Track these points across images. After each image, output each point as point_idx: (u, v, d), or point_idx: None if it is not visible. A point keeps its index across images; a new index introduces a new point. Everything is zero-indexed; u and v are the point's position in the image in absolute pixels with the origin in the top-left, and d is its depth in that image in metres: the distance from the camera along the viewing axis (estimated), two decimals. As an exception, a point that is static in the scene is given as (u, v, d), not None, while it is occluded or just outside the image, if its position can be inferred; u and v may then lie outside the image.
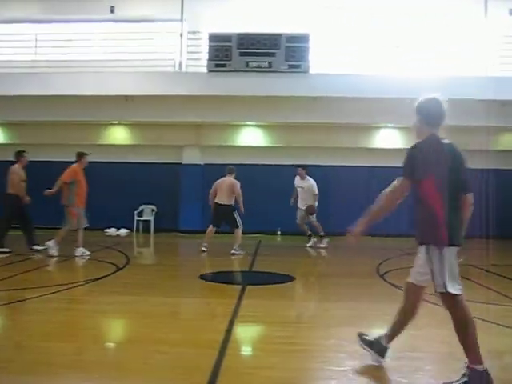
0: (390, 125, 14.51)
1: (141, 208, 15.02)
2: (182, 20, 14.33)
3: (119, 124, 15.32)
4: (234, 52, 13.24)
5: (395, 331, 4.15)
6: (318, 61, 13.33)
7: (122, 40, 14.93)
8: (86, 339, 4.92)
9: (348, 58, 13.50)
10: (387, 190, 3.93)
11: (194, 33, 14.09)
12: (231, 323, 5.33)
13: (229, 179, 11.21)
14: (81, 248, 10.05)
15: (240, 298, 6.53)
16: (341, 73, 12.83)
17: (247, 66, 13.23)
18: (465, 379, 3.65)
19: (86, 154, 10.58)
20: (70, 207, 10.01)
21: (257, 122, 14.70)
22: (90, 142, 14.96)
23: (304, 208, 12.37)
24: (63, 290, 6.85)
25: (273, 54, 13.09)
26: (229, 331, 5.05)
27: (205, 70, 13.36)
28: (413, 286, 3.98)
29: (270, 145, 15.15)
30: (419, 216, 3.83)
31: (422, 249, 3.82)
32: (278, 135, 15.09)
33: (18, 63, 14.07)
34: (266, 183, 14.55)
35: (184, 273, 9.38)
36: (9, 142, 15.58)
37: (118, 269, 8.63)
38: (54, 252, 9.75)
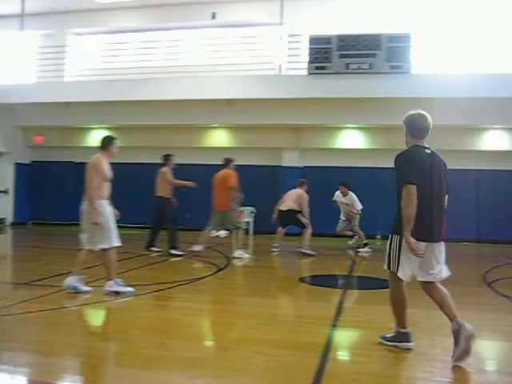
0: (496, 126, 13.82)
1: (240, 210, 15.20)
2: (281, 23, 14.44)
3: (220, 127, 15.68)
4: (334, 54, 13.16)
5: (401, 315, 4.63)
6: (419, 61, 12.98)
7: (223, 45, 15.33)
8: (191, 337, 5.05)
9: (451, 58, 13.04)
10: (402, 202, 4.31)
11: (293, 36, 14.16)
12: (333, 327, 5.28)
13: (298, 190, 11.41)
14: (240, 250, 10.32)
15: (341, 302, 6.46)
16: (444, 73, 12.41)
17: (347, 67, 13.12)
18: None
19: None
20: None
21: (357, 124, 14.53)
22: (191, 144, 15.49)
23: (344, 219, 12.39)
24: (168, 288, 7.10)
25: (373, 55, 12.89)
26: (330, 335, 5.01)
27: (304, 72, 13.39)
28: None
29: (370, 147, 14.90)
30: (399, 213, 4.36)
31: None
32: (378, 137, 14.80)
33: (127, 70, 14.79)
34: (366, 186, 14.30)
35: (284, 275, 9.43)
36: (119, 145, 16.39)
37: (219, 269, 8.81)
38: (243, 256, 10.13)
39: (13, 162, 16.61)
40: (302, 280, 8.11)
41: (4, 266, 10.05)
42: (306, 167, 15.10)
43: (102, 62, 16.21)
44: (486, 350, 4.94)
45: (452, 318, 4.33)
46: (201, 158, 15.30)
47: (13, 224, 16.38)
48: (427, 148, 4.48)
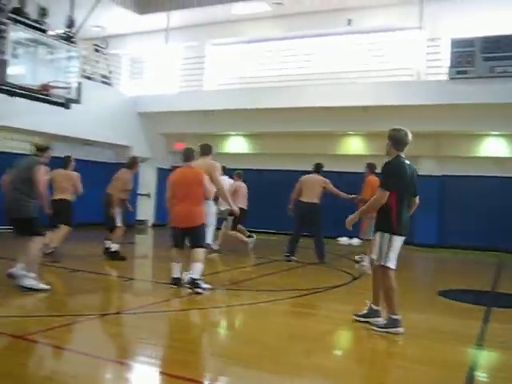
0: None
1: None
2: (420, 28, 14.00)
3: (355, 134, 15.51)
4: (478, 57, 12.52)
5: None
6: None
7: (359, 51, 15.17)
8: (328, 346, 5.02)
9: None
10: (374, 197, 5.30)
11: (433, 40, 13.66)
12: (478, 347, 4.98)
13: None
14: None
15: (485, 321, 6.07)
16: None
17: (492, 71, 12.40)
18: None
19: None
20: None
21: (504, 131, 13.62)
22: (326, 152, 15.48)
23: None
24: (304, 295, 7.11)
25: (522, 57, 12.07)
26: (476, 355, 4.72)
27: (444, 77, 12.85)
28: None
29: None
30: (379, 212, 5.32)
31: (377, 234, 5.36)
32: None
33: (264, 78, 15.16)
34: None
35: (421, 287, 9.05)
36: (252, 151, 16.87)
37: (354, 278, 8.68)
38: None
39: (155, 167, 17.62)
40: (441, 294, 7.74)
41: (147, 265, 10.66)
42: (444, 176, 14.45)
43: (239, 71, 16.73)
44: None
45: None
46: (335, 165, 15.19)
47: (153, 226, 17.34)
48: (405, 158, 5.39)
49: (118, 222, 9.38)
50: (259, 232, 16.13)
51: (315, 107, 13.89)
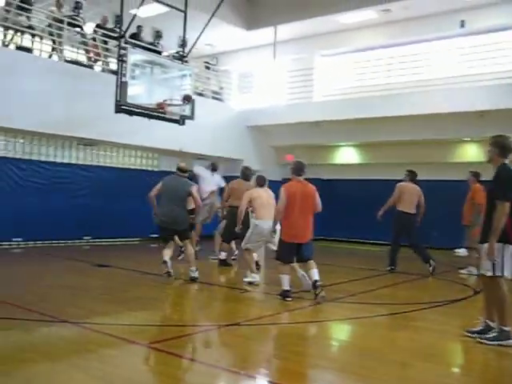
0: None
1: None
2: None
3: (470, 141, 14.80)
4: None
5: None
6: None
7: (473, 54, 14.50)
8: (448, 363, 4.78)
9: None
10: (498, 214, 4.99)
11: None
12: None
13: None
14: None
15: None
16: None
17: None
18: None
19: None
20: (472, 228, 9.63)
21: None
22: (440, 160, 14.95)
23: None
24: (421, 309, 6.85)
25: None
26: None
27: None
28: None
29: None
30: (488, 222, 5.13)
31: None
32: None
33: (374, 87, 14.91)
34: None
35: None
36: (362, 161, 16.64)
37: (476, 292, 8.23)
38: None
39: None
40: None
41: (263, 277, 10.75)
42: None
43: (348, 80, 16.57)
44: None
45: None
46: (450, 173, 14.59)
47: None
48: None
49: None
50: (371, 243, 15.83)
51: (426, 114, 13.41)
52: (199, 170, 11.77)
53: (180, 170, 8.64)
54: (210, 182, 11.57)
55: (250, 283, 8.22)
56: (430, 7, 14.75)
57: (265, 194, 8.58)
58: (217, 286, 8.70)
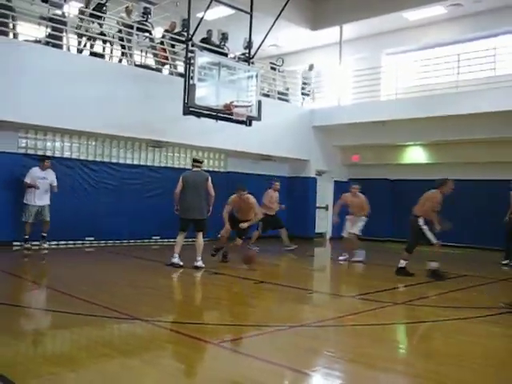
0: None
1: None
2: None
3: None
4: None
5: None
6: None
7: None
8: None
9: None
10: None
11: None
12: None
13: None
14: None
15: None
16: None
17: None
18: None
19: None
20: None
21: None
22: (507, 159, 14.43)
23: None
24: (498, 313, 6.58)
25: None
26: None
27: None
28: None
29: None
30: None
31: None
32: None
33: (442, 85, 14.49)
34: None
35: None
36: (431, 161, 16.23)
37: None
38: None
39: (332, 180, 17.68)
40: None
41: (329, 278, 10.67)
42: None
43: (415, 79, 16.19)
44: None
45: None
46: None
47: (331, 239, 17.34)
48: None
49: (433, 240, 9.19)
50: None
51: (496, 112, 12.88)
52: None
53: (196, 161, 9.68)
54: None
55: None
56: (503, -1, 14.23)
57: None
58: (285, 286, 8.67)
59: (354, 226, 11.23)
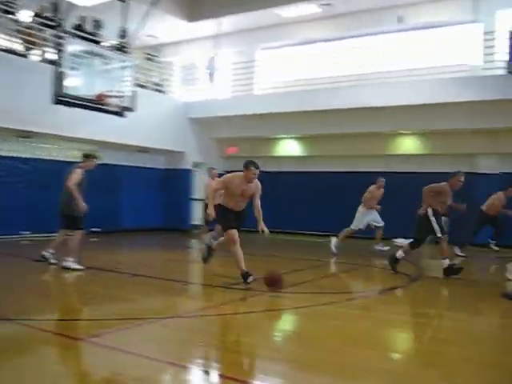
0: None
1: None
2: (475, 21, 13.65)
3: (409, 134, 15.23)
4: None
5: None
6: None
7: (412, 49, 14.91)
8: (388, 348, 4.93)
9: None
10: None
11: (488, 33, 13.27)
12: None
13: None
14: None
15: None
16: None
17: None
18: None
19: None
20: None
21: None
22: (378, 152, 15.36)
23: None
24: (360, 297, 7.03)
25: None
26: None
27: (502, 72, 12.47)
28: None
29: None
30: None
31: None
32: None
33: (314, 80, 15.10)
34: None
35: (483, 290, 8.69)
36: (304, 154, 16.88)
37: (412, 280, 8.50)
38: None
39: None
40: (505, 295, 7.45)
41: (204, 269, 10.76)
42: (504, 173, 13.93)
43: (289, 73, 16.71)
44: None
45: None
46: (392, 166, 15.05)
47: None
48: None
49: (439, 233, 8.60)
50: (313, 234, 16.08)
51: (366, 108, 13.71)
52: None
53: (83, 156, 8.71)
54: None
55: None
56: (371, 2, 15.05)
57: None
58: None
59: None
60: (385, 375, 4.10)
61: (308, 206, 16.33)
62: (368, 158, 15.66)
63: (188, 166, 17.15)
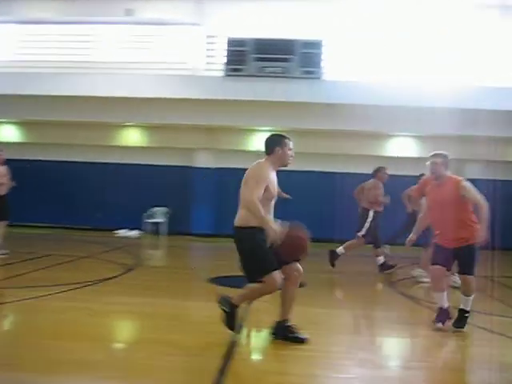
0: (403, 133, 14.44)
1: (152, 210, 14.88)
2: (199, 24, 14.39)
3: (132, 126, 15.39)
4: (250, 57, 13.21)
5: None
6: (333, 67, 13.33)
7: (140, 43, 15.05)
8: (93, 339, 4.93)
9: (363, 65, 13.45)
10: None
11: (211, 37, 14.14)
12: (239, 328, 5.30)
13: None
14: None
15: (249, 303, 6.49)
16: (355, 80, 12.84)
17: (262, 71, 13.22)
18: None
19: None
20: None
21: (270, 127, 14.62)
22: (102, 143, 15.20)
23: None
24: (72, 289, 6.90)
25: (287, 60, 13.04)
26: (236, 336, 5.02)
27: (219, 74, 13.40)
28: None
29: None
30: None
31: None
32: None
33: (38, 63, 14.19)
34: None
35: (193, 276, 9.30)
36: (21, 140, 15.84)
37: (128, 270, 8.65)
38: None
39: None
40: (211, 281, 8.07)
41: None
42: (218, 168, 15.05)
43: (8, 53, 15.39)
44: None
45: None
46: (114, 157, 15.04)
47: None
48: None
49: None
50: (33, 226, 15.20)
51: (88, 96, 13.31)
52: None
53: None
54: None
55: None
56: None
57: None
58: None
59: None
60: (90, 366, 4.13)
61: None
62: (92, 148, 15.36)
63: None
